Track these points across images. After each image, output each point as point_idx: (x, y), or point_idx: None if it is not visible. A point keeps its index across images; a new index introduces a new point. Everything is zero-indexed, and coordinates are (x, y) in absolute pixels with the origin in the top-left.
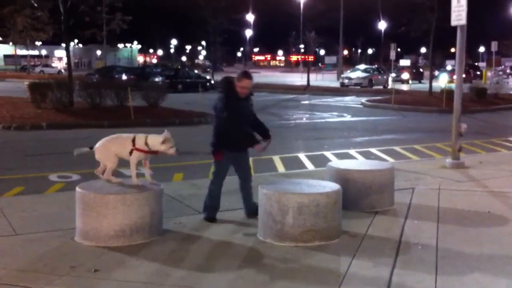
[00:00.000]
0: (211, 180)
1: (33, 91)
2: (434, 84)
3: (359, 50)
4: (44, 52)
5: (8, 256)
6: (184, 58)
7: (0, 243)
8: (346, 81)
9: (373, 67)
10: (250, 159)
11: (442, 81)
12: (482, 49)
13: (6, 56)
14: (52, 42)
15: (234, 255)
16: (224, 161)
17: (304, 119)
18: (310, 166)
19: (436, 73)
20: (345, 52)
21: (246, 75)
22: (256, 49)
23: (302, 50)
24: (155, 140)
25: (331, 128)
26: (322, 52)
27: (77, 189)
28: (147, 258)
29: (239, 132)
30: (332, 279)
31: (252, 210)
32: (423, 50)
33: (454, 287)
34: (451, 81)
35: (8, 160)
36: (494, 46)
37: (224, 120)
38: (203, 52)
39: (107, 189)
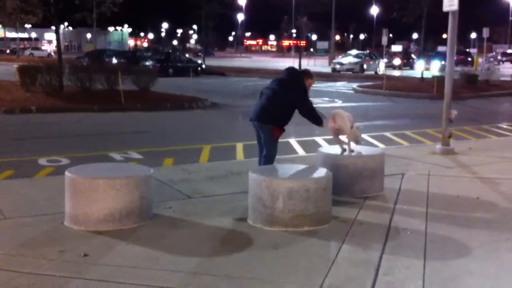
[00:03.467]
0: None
1: (23, 74)
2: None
3: (351, 36)
4: (34, 35)
5: None
6: (175, 42)
7: None
8: (337, 66)
9: (365, 52)
10: (241, 144)
11: (434, 68)
12: (473, 35)
13: None
14: (42, 25)
15: (224, 239)
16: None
17: None
18: (300, 151)
19: (419, 62)
20: (337, 37)
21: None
22: (247, 34)
23: (294, 35)
24: None
25: (322, 113)
26: (314, 37)
27: (67, 173)
28: (137, 242)
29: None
30: (322, 263)
31: None
32: (415, 36)
33: (442, 272)
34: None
35: None
36: (485, 32)
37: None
38: (195, 36)
39: (97, 174)
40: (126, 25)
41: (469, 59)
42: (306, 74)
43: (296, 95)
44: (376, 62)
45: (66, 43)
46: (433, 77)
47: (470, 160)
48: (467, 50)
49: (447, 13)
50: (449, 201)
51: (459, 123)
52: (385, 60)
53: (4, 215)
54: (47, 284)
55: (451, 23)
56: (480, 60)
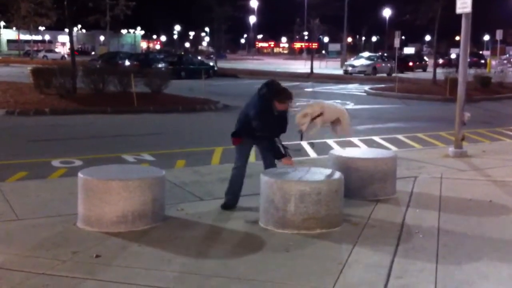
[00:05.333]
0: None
1: (36, 76)
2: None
3: (363, 38)
4: (47, 37)
5: (10, 241)
6: (187, 45)
7: (3, 228)
8: (349, 68)
9: (377, 54)
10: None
11: None
12: (487, 37)
13: (9, 41)
14: (56, 27)
15: (236, 242)
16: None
17: None
18: (312, 154)
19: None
20: (349, 39)
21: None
22: (259, 36)
23: (306, 38)
24: None
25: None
26: (326, 39)
27: (80, 175)
28: (149, 244)
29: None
30: (333, 266)
31: None
32: (427, 38)
33: (455, 276)
34: None
35: (12, 145)
36: (499, 34)
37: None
38: (207, 39)
39: (109, 175)
40: (138, 28)
41: (482, 61)
42: (277, 96)
43: (251, 108)
44: (389, 65)
45: (80, 46)
46: (446, 79)
47: (483, 163)
48: (480, 52)
49: (460, 15)
50: (462, 204)
51: (472, 126)
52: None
53: (18, 216)
54: (60, 285)
55: (464, 25)
56: (493, 62)
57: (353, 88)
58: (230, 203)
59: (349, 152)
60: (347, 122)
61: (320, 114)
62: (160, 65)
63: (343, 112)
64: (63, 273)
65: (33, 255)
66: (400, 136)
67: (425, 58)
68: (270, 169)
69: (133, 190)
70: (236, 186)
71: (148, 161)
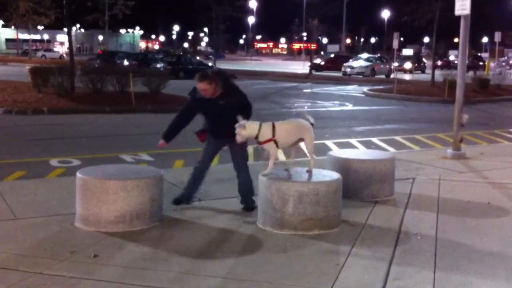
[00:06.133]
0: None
1: (35, 75)
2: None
3: (362, 39)
4: (46, 36)
5: (8, 240)
6: (186, 45)
7: (0, 228)
8: (348, 70)
9: (376, 56)
10: (250, 147)
11: None
12: (485, 39)
13: (8, 40)
14: (54, 26)
15: (234, 242)
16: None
17: (306, 107)
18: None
19: None
20: (348, 40)
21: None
22: (258, 37)
23: (305, 38)
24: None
25: (332, 117)
26: (325, 40)
27: (78, 174)
28: (147, 244)
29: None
30: (331, 267)
31: (245, 204)
32: (426, 39)
33: (453, 278)
34: None
35: (9, 144)
36: (497, 36)
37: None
38: (205, 39)
39: (108, 175)
40: (137, 28)
41: (481, 63)
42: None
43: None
44: (387, 66)
45: (78, 45)
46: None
47: (481, 165)
48: (479, 54)
49: (459, 17)
50: (460, 206)
51: (470, 128)
52: (396, 63)
53: (16, 215)
54: (57, 285)
55: (463, 27)
56: (492, 64)
57: (352, 89)
58: (179, 197)
59: (347, 153)
60: (311, 144)
61: (271, 140)
62: (158, 65)
63: (307, 131)
64: (61, 272)
65: (31, 255)
66: (398, 138)
67: (424, 59)
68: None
69: (131, 190)
70: (192, 183)
71: (146, 161)
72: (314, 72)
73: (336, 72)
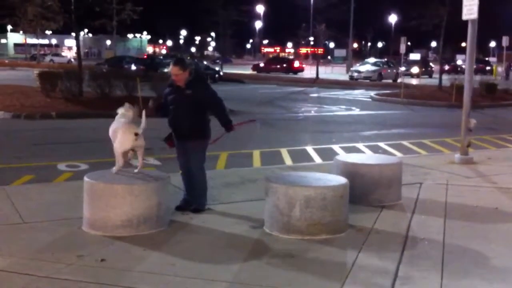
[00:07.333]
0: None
1: (43, 80)
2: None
3: (369, 44)
4: (54, 41)
5: (15, 244)
6: (193, 49)
7: (8, 231)
8: (355, 74)
9: (383, 60)
10: (258, 151)
11: None
12: (493, 44)
13: (16, 45)
14: (62, 31)
15: (240, 247)
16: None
17: (313, 112)
18: (317, 159)
19: None
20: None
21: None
22: (265, 41)
23: (312, 43)
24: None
25: (339, 121)
26: (331, 45)
27: (85, 178)
28: (154, 248)
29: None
30: (338, 272)
31: (195, 206)
32: (433, 44)
33: (460, 283)
34: None
35: (18, 148)
36: (505, 41)
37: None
38: (213, 44)
39: (115, 179)
40: (145, 32)
41: (488, 67)
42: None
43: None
44: (394, 70)
45: (86, 50)
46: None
47: (489, 170)
48: (486, 59)
49: (466, 22)
50: (467, 211)
51: (477, 132)
52: (403, 68)
53: (23, 219)
54: None
55: (470, 31)
56: (499, 69)
57: (359, 94)
58: (180, 205)
59: (354, 158)
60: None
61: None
62: (166, 70)
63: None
64: (68, 276)
65: (38, 258)
66: (405, 142)
67: (431, 64)
68: (275, 174)
69: (138, 194)
70: (186, 188)
71: (154, 165)
72: (256, 73)
73: (275, 72)
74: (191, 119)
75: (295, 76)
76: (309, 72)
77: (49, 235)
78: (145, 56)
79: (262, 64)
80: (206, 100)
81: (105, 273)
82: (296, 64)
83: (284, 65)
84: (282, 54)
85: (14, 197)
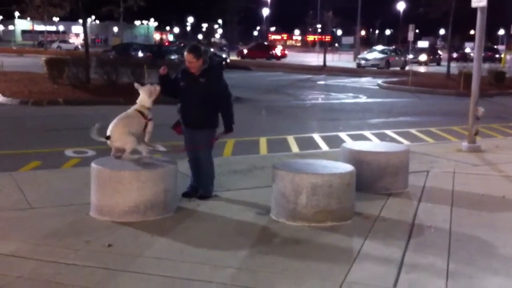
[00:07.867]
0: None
1: (50, 67)
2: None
3: (377, 31)
4: (61, 28)
5: (23, 229)
6: (200, 37)
7: (16, 217)
8: (362, 62)
9: (391, 48)
10: (264, 139)
11: None
12: (502, 32)
13: (24, 32)
14: (70, 18)
15: (247, 233)
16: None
17: (320, 99)
18: (324, 147)
19: None
20: (363, 32)
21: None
22: (272, 28)
23: (319, 30)
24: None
25: (346, 109)
26: (339, 32)
27: (93, 165)
28: (161, 234)
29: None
30: (344, 259)
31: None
32: (441, 32)
33: (466, 271)
34: None
35: (25, 135)
36: None
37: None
38: (220, 31)
39: (122, 166)
40: (152, 19)
41: (497, 56)
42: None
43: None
44: (402, 58)
45: (93, 37)
46: (460, 73)
47: (496, 158)
48: (495, 47)
49: (475, 9)
50: (474, 199)
51: (485, 121)
52: (411, 56)
53: (31, 205)
54: (72, 274)
55: (479, 19)
56: (508, 57)
57: (366, 81)
58: (186, 191)
59: (361, 146)
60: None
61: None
62: (173, 57)
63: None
64: (75, 261)
65: (46, 244)
66: (412, 130)
67: (439, 51)
68: (282, 162)
69: (145, 180)
70: (192, 175)
71: (160, 152)
72: (240, 59)
73: (258, 58)
74: (201, 107)
75: (303, 63)
76: (316, 59)
77: (56, 221)
78: (167, 43)
79: (245, 51)
80: (218, 90)
81: (112, 258)
82: (278, 51)
83: (267, 51)
84: (289, 42)
85: (22, 183)
